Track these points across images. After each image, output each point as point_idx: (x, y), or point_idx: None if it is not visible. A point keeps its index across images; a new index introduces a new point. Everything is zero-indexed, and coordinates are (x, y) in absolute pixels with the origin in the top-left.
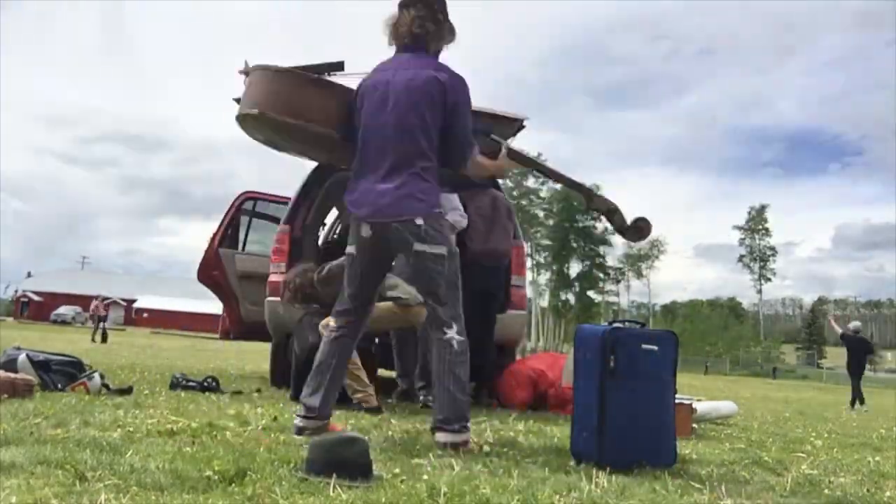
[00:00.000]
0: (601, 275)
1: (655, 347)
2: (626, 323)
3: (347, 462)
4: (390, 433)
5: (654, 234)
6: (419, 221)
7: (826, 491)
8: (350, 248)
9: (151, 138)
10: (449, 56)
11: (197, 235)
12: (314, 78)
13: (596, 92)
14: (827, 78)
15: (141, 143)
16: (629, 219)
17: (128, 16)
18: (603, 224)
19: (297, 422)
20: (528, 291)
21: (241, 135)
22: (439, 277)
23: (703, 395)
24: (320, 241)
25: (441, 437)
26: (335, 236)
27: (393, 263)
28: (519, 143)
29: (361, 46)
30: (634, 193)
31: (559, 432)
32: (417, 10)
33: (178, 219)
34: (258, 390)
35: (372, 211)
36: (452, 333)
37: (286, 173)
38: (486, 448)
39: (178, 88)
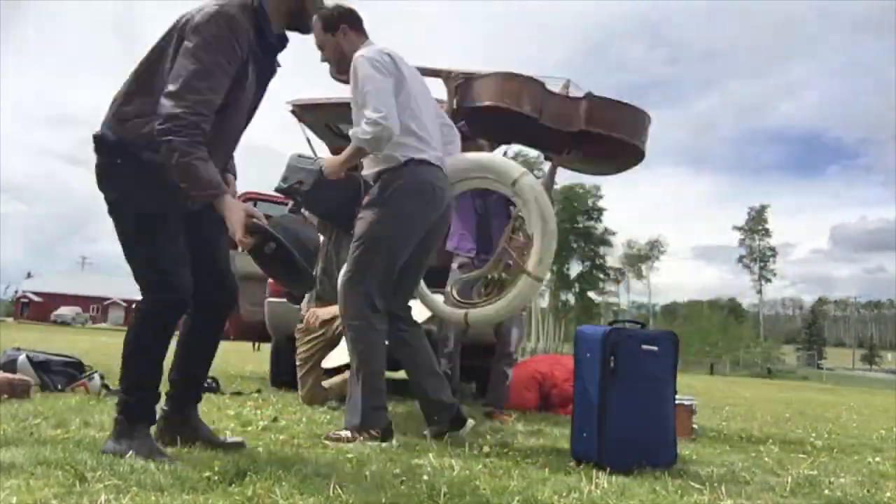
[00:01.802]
0: (601, 275)
1: (656, 348)
2: (627, 323)
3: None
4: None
5: (654, 235)
6: None
7: (826, 491)
8: None
9: None
10: (475, 54)
11: None
12: None
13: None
14: (826, 83)
15: None
16: None
17: (132, 16)
18: (603, 225)
19: None
20: None
21: (243, 135)
22: None
23: (703, 396)
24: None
25: None
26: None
27: None
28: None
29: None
30: (632, 194)
31: (559, 432)
32: None
33: None
34: (258, 391)
35: None
36: None
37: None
38: (486, 448)
39: None
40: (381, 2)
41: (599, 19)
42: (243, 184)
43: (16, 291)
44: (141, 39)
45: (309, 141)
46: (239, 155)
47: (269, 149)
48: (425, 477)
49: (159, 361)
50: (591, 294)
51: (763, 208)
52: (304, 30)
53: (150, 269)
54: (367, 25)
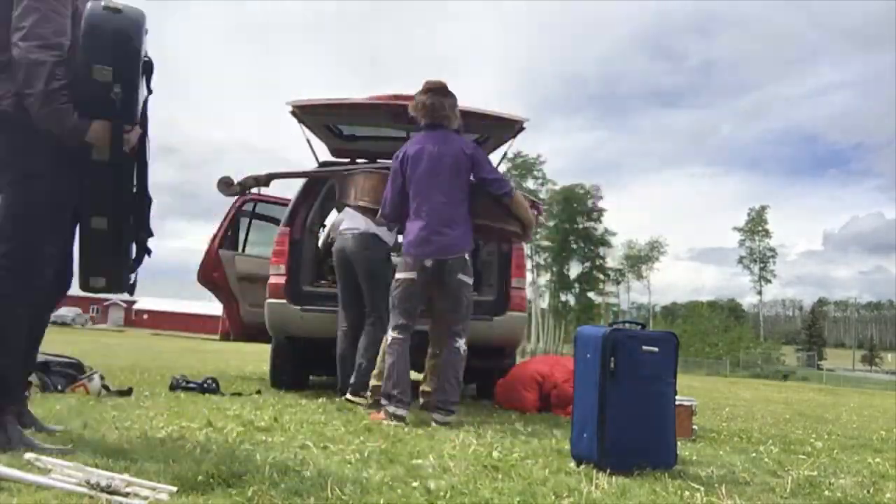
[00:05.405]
0: (601, 276)
1: (656, 349)
2: (627, 324)
3: None
4: (391, 433)
5: (653, 236)
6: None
7: (826, 492)
8: (409, 275)
9: (159, 141)
10: (513, 59)
11: (200, 237)
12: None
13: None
14: (822, 91)
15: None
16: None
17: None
18: (603, 225)
19: (399, 411)
20: (528, 293)
21: (247, 136)
22: (465, 300)
23: (703, 396)
24: (320, 243)
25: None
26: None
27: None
28: (518, 144)
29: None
30: (633, 195)
31: (559, 433)
32: (450, 99)
33: (185, 221)
34: (258, 391)
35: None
36: (461, 343)
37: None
38: (486, 449)
39: (187, 91)
40: (415, 2)
41: (598, 28)
42: None
43: None
44: (156, 46)
45: (309, 142)
46: (241, 157)
47: (268, 150)
48: (425, 478)
49: None
50: (590, 294)
51: (763, 209)
52: None
53: None
54: (398, 26)
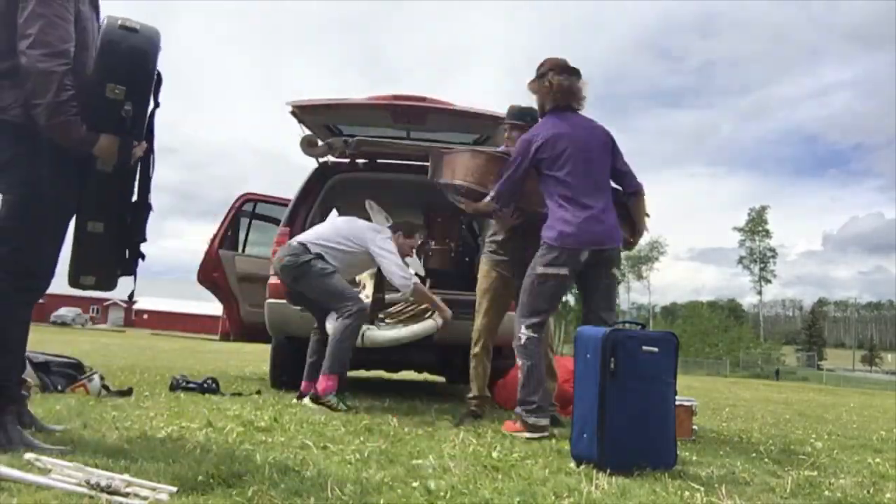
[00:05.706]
0: None
1: (656, 349)
2: (627, 324)
3: None
4: (391, 433)
5: (653, 236)
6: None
7: (826, 492)
8: (561, 271)
9: (161, 142)
10: (514, 58)
11: (200, 238)
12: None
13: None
14: (821, 92)
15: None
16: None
17: (137, 17)
18: None
19: (541, 421)
20: None
21: (248, 137)
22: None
23: (703, 397)
24: None
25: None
26: None
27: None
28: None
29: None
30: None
31: (559, 434)
32: (582, 80)
33: (185, 222)
34: (258, 392)
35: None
36: None
37: (294, 176)
38: (486, 449)
39: (189, 92)
40: (424, 3)
41: (599, 28)
42: (247, 185)
43: None
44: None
45: None
46: (243, 157)
47: (269, 151)
48: (425, 478)
49: None
50: None
51: (763, 209)
52: None
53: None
54: (400, 26)
